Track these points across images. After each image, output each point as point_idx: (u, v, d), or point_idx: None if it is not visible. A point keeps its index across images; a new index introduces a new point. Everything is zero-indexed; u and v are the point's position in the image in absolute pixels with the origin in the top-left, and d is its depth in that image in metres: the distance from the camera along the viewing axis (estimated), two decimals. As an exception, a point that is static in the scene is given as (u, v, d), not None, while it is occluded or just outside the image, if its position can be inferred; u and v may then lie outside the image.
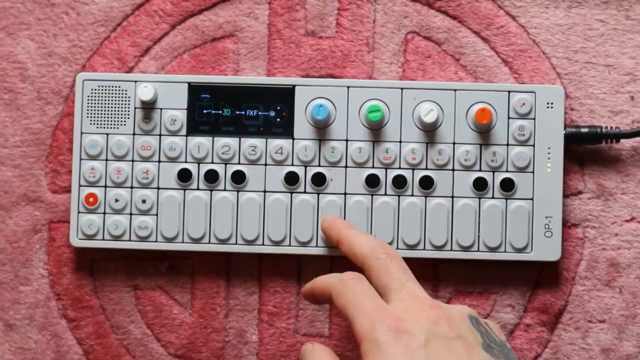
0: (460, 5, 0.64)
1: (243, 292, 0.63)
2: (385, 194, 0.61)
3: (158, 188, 0.62)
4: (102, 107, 0.62)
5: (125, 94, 0.62)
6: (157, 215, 0.62)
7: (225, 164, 0.62)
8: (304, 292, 0.55)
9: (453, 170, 0.61)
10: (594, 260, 0.63)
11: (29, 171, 0.64)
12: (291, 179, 0.61)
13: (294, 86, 0.62)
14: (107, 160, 0.62)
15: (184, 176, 0.61)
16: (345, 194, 0.61)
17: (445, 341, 0.47)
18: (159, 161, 0.62)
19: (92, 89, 0.62)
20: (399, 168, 0.61)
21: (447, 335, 0.47)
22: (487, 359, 0.47)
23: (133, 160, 0.62)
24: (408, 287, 0.50)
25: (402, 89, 0.62)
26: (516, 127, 0.61)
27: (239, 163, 0.62)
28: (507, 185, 0.61)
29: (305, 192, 0.61)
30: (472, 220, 0.61)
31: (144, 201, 0.62)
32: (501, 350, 0.49)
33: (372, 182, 0.61)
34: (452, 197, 0.61)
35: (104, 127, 0.62)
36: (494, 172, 0.61)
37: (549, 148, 0.61)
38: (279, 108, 0.62)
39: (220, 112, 0.62)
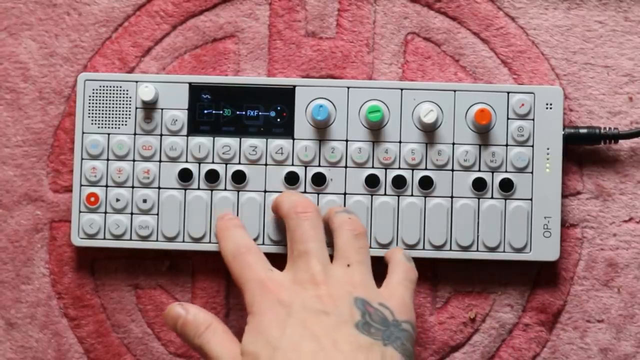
0: (460, 6, 0.64)
1: (243, 292, 0.63)
2: (385, 194, 0.61)
3: (159, 188, 0.62)
4: (103, 107, 0.62)
5: (127, 94, 0.62)
6: (157, 214, 0.62)
7: (226, 164, 0.62)
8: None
9: (452, 170, 0.61)
10: (592, 261, 0.63)
11: (31, 171, 0.64)
12: (291, 179, 0.61)
13: (294, 86, 0.62)
14: (108, 160, 0.62)
15: (185, 176, 0.62)
16: (345, 194, 0.62)
17: (314, 315, 0.50)
18: (160, 161, 0.62)
19: (93, 89, 0.62)
20: (399, 168, 0.62)
21: (319, 309, 0.50)
22: (353, 335, 0.50)
23: (134, 160, 0.62)
24: (307, 256, 0.53)
25: (401, 89, 0.62)
26: (515, 127, 0.61)
27: (239, 163, 0.62)
28: (506, 186, 0.61)
29: (305, 192, 0.62)
30: (472, 221, 0.61)
31: (144, 201, 0.62)
32: (385, 329, 0.51)
33: (372, 182, 0.61)
34: (452, 197, 0.61)
35: (105, 127, 0.62)
36: (493, 172, 0.61)
37: (548, 149, 0.61)
38: (279, 108, 0.62)
39: (221, 112, 0.62)
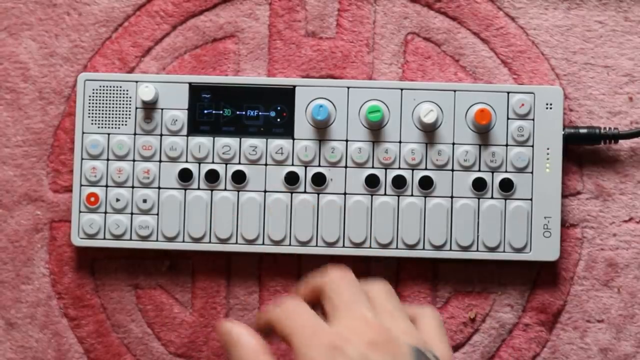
0: (460, 6, 0.64)
1: (243, 292, 0.63)
2: (385, 194, 0.61)
3: (159, 188, 0.62)
4: (103, 107, 0.62)
5: (127, 94, 0.62)
6: (157, 214, 0.62)
7: (226, 164, 0.62)
8: (257, 328, 0.50)
9: (452, 170, 0.61)
10: (592, 261, 0.63)
11: (31, 171, 0.64)
12: (291, 179, 0.62)
13: (294, 87, 0.62)
14: (108, 160, 0.62)
15: (185, 176, 0.62)
16: (345, 194, 0.62)
17: None
18: (160, 161, 0.62)
19: (93, 89, 0.62)
20: (399, 168, 0.62)
21: (379, 358, 0.44)
22: None
23: (134, 160, 0.62)
24: (355, 308, 0.47)
25: (401, 89, 0.62)
26: (515, 127, 0.61)
27: (239, 163, 0.62)
28: (506, 186, 0.61)
29: (305, 192, 0.62)
30: (472, 220, 0.61)
31: (144, 201, 0.62)
32: None
33: (372, 182, 0.61)
34: (452, 197, 0.61)
35: (105, 127, 0.62)
36: (493, 172, 0.61)
37: (548, 149, 0.61)
38: (279, 108, 0.62)
39: (221, 112, 0.62)
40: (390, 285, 0.50)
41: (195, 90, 0.62)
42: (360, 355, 0.44)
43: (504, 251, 0.61)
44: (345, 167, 0.62)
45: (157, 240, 0.62)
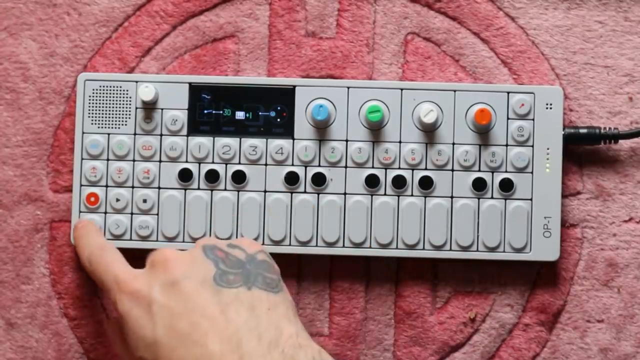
0: (460, 6, 0.64)
1: (243, 292, 0.63)
2: (385, 194, 0.61)
3: (159, 188, 0.62)
4: (103, 107, 0.62)
5: (127, 94, 0.62)
6: (158, 214, 0.62)
7: (226, 164, 0.62)
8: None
9: (452, 170, 0.61)
10: (592, 261, 0.63)
11: (31, 171, 0.64)
12: (291, 179, 0.62)
13: (294, 87, 0.62)
14: (108, 160, 0.62)
15: (185, 176, 0.62)
16: (345, 194, 0.62)
17: (170, 288, 0.49)
18: (160, 161, 0.62)
19: (93, 89, 0.62)
20: (399, 168, 0.62)
21: (171, 280, 0.49)
22: (214, 293, 0.48)
23: (134, 160, 0.62)
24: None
25: (401, 89, 0.62)
26: (515, 127, 0.61)
27: (239, 163, 0.62)
28: (506, 186, 0.61)
29: (305, 192, 0.62)
30: (471, 221, 0.61)
31: (144, 201, 0.62)
32: (242, 270, 0.50)
33: (372, 182, 0.61)
34: (452, 197, 0.61)
35: (105, 127, 0.62)
36: (493, 172, 0.61)
37: (548, 149, 0.61)
38: (279, 108, 0.62)
39: (221, 112, 0.62)
40: None
41: (195, 90, 0.62)
42: (153, 286, 0.50)
43: (504, 251, 0.61)
44: (345, 167, 0.62)
45: (157, 240, 0.62)
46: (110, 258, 0.54)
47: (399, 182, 0.61)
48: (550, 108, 0.62)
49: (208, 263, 0.50)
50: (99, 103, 0.62)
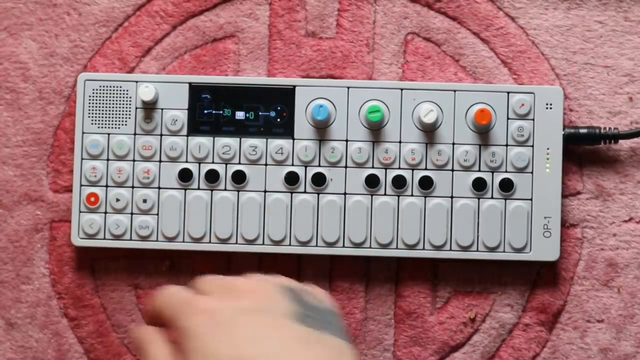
0: (460, 6, 0.64)
1: (243, 292, 0.63)
2: (385, 194, 0.61)
3: (159, 188, 0.62)
4: (103, 107, 0.62)
5: (127, 94, 0.62)
6: (157, 214, 0.62)
7: (226, 164, 0.62)
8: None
9: (452, 170, 0.61)
10: (592, 261, 0.63)
11: (31, 171, 0.64)
12: (291, 179, 0.62)
13: (294, 87, 0.62)
14: (108, 160, 0.62)
15: (185, 176, 0.62)
16: (345, 194, 0.62)
17: (249, 315, 0.46)
18: (160, 161, 0.62)
19: (93, 89, 0.62)
20: (399, 168, 0.62)
21: (252, 309, 0.46)
22: (297, 330, 0.46)
23: (134, 160, 0.62)
24: (226, 278, 0.49)
25: (401, 89, 0.62)
26: (515, 127, 0.61)
27: (239, 163, 0.62)
28: (506, 186, 0.61)
29: (305, 192, 0.62)
30: (471, 221, 0.61)
31: (144, 201, 0.62)
32: (321, 318, 0.48)
33: (372, 182, 0.61)
34: (452, 197, 0.61)
35: (105, 127, 0.62)
36: (493, 172, 0.61)
37: (548, 149, 0.61)
38: (279, 108, 0.62)
39: (221, 112, 0.62)
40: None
41: (195, 90, 0.62)
42: (234, 308, 0.46)
43: (504, 251, 0.61)
44: (345, 167, 0.62)
45: (157, 240, 0.62)
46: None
47: (399, 182, 0.61)
48: (550, 108, 0.62)
49: (288, 301, 0.47)
50: (99, 103, 0.62)
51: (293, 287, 0.49)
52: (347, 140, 0.62)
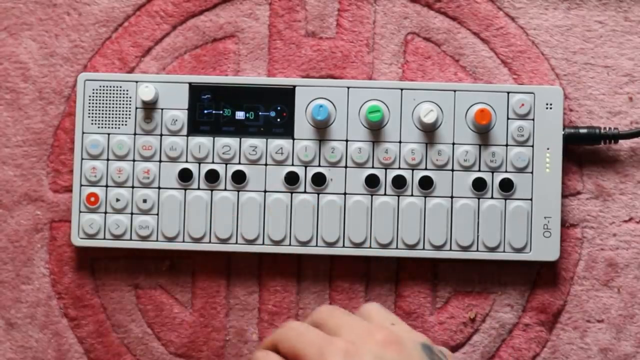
0: (460, 6, 0.64)
1: (243, 292, 0.63)
2: (385, 194, 0.61)
3: (159, 188, 0.62)
4: (103, 107, 0.62)
5: (127, 94, 0.62)
6: (157, 214, 0.62)
7: (226, 164, 0.62)
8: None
9: (452, 170, 0.61)
10: (592, 261, 0.63)
11: (31, 171, 0.64)
12: (291, 179, 0.62)
13: (294, 87, 0.62)
14: (108, 160, 0.62)
15: (185, 176, 0.62)
16: (345, 194, 0.62)
17: None
18: (160, 161, 0.62)
19: (93, 89, 0.62)
20: (399, 168, 0.62)
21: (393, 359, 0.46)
22: None
23: (134, 160, 0.62)
24: (354, 322, 0.49)
25: (401, 89, 0.62)
26: (515, 127, 0.61)
27: (239, 163, 0.62)
28: (506, 186, 0.61)
29: (305, 192, 0.62)
30: (472, 221, 0.61)
31: (144, 201, 0.62)
32: None
33: (372, 182, 0.61)
34: (452, 197, 0.61)
35: (105, 127, 0.62)
36: (493, 172, 0.61)
37: (548, 149, 0.61)
38: (279, 108, 0.62)
39: (221, 112, 0.62)
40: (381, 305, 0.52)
41: (195, 90, 0.62)
42: (376, 356, 0.46)
43: (504, 251, 0.61)
44: (345, 167, 0.62)
45: (157, 240, 0.62)
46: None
47: (399, 182, 0.61)
48: (550, 108, 0.62)
49: (424, 356, 0.47)
50: (99, 103, 0.62)
51: (430, 346, 0.49)
52: (347, 140, 0.62)
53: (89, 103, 0.62)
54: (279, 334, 0.49)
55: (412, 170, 0.61)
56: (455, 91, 0.62)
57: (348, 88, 0.62)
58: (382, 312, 0.51)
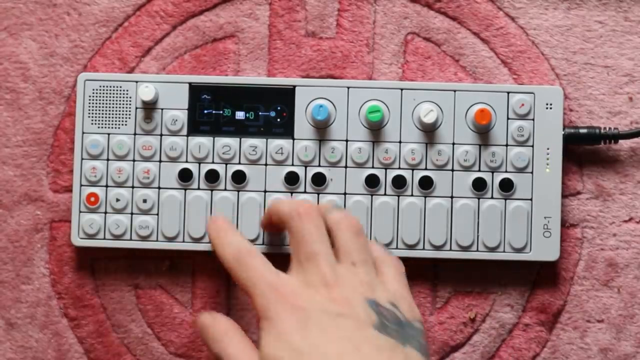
0: (460, 6, 0.64)
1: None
2: (385, 194, 0.61)
3: (159, 188, 0.62)
4: (103, 107, 0.62)
5: (127, 94, 0.62)
6: (158, 214, 0.62)
7: (226, 164, 0.62)
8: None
9: (452, 170, 0.61)
10: (592, 261, 0.63)
11: (31, 171, 0.64)
12: (291, 179, 0.62)
13: (294, 87, 0.62)
14: (108, 160, 0.62)
15: (185, 176, 0.62)
16: (345, 194, 0.62)
17: (333, 319, 0.49)
18: (160, 161, 0.62)
19: (93, 89, 0.62)
20: (399, 168, 0.62)
21: (338, 313, 0.49)
22: (376, 337, 0.49)
23: (134, 160, 0.62)
24: (315, 258, 0.52)
25: (401, 89, 0.62)
26: (515, 127, 0.61)
27: (239, 163, 0.62)
28: (506, 186, 0.61)
29: (305, 192, 0.62)
30: (471, 221, 0.61)
31: (144, 201, 0.62)
32: (400, 329, 0.50)
33: (372, 182, 0.61)
34: (452, 197, 0.61)
35: (105, 127, 0.62)
36: (493, 172, 0.61)
37: (548, 149, 0.61)
38: (279, 108, 0.62)
39: (221, 112, 0.62)
40: (361, 225, 0.54)
41: (195, 90, 0.62)
42: (318, 310, 0.49)
43: (504, 251, 0.61)
44: (345, 167, 0.62)
45: (157, 240, 0.62)
46: (259, 261, 0.53)
47: (399, 182, 0.61)
48: (550, 108, 0.62)
49: (370, 311, 0.50)
50: (99, 103, 0.62)
51: (377, 301, 0.51)
52: (347, 140, 0.62)
53: (89, 103, 0.62)
54: (230, 258, 0.54)
55: (412, 170, 0.61)
56: (455, 91, 0.62)
57: (348, 88, 0.62)
58: (351, 244, 0.53)
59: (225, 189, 0.62)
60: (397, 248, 0.61)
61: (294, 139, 0.62)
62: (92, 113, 0.62)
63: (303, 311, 0.49)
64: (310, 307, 0.50)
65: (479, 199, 0.61)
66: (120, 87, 0.62)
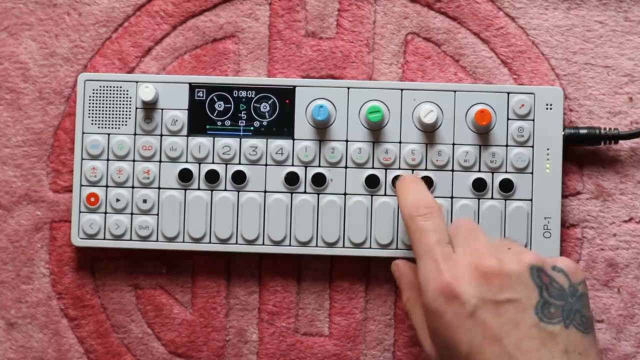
0: (460, 6, 0.64)
1: (243, 292, 0.63)
2: (385, 195, 0.61)
3: (159, 188, 0.62)
4: (103, 107, 0.62)
5: (127, 94, 0.62)
6: (157, 215, 0.62)
7: (226, 164, 0.62)
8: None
9: (452, 171, 0.61)
10: (592, 261, 0.63)
11: (31, 171, 0.64)
12: (291, 179, 0.62)
13: (294, 87, 0.62)
14: (108, 160, 0.62)
15: (185, 176, 0.62)
16: (345, 194, 0.62)
17: (494, 307, 0.49)
18: (160, 161, 0.62)
19: (93, 89, 0.62)
20: (399, 169, 0.62)
21: (497, 299, 0.49)
22: (533, 325, 0.48)
23: (134, 160, 0.62)
24: (465, 247, 0.52)
25: (402, 90, 0.62)
26: (515, 128, 0.61)
27: (239, 163, 0.62)
28: (506, 186, 0.61)
29: (305, 192, 0.62)
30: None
31: (144, 201, 0.62)
32: (565, 305, 0.49)
33: (372, 182, 0.61)
34: (452, 197, 0.61)
35: (106, 127, 0.62)
36: (493, 172, 0.61)
37: (548, 149, 0.61)
38: (279, 109, 0.62)
39: (221, 112, 0.62)
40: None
41: (195, 91, 0.62)
42: (477, 298, 0.49)
43: (504, 251, 0.61)
44: (345, 167, 0.62)
45: (157, 241, 0.62)
46: (433, 225, 0.53)
47: (399, 183, 0.61)
48: (550, 108, 0.62)
49: (533, 288, 0.49)
50: (99, 103, 0.62)
51: (542, 267, 0.50)
52: (347, 141, 0.62)
53: (89, 103, 0.62)
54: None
55: (412, 170, 0.61)
56: (455, 91, 0.62)
57: (348, 88, 0.62)
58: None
59: (225, 189, 0.62)
60: (397, 248, 0.61)
61: (294, 139, 0.62)
62: (92, 113, 0.62)
63: (459, 302, 0.49)
64: (466, 296, 0.49)
65: (479, 199, 0.61)
66: (121, 87, 0.62)
